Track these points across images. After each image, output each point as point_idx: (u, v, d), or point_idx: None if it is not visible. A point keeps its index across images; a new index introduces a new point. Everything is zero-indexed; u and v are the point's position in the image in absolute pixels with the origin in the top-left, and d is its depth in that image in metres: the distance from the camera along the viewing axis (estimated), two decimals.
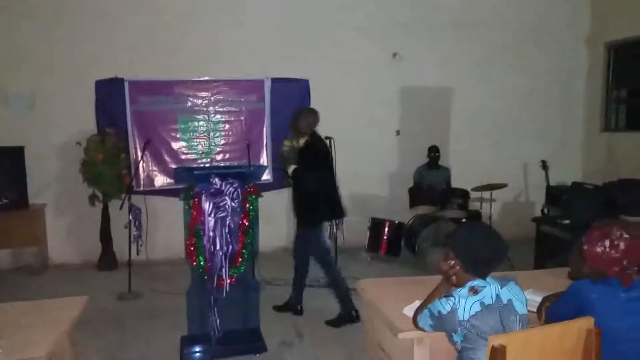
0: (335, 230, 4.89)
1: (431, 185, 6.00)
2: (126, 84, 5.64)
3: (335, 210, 4.18)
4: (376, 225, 5.81)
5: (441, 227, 5.29)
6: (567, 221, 4.58)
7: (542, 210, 5.78)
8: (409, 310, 2.09)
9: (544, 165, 5.94)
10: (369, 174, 6.27)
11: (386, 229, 5.73)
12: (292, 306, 4.23)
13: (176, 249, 5.61)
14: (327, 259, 4.17)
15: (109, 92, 5.60)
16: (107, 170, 5.21)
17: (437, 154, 6.03)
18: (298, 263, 4.26)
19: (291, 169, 3.99)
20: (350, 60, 6.21)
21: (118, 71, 5.59)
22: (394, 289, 2.54)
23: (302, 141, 4.06)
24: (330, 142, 4.93)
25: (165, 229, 5.65)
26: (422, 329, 1.92)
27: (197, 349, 3.34)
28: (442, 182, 6.05)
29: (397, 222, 5.77)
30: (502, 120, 6.64)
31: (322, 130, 5.31)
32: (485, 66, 6.54)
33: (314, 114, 4.16)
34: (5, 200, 5.15)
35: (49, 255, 5.63)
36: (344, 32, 6.18)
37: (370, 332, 2.58)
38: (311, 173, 3.93)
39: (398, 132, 6.49)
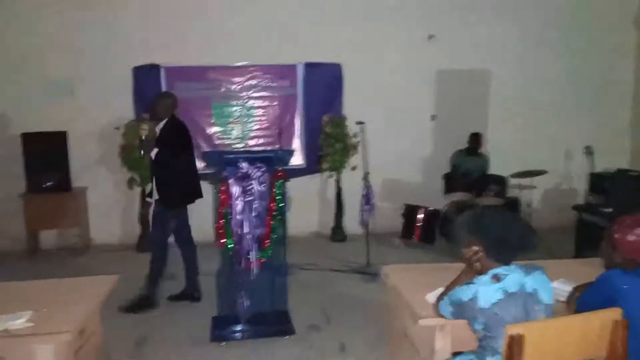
0: (366, 217, 4.86)
1: (467, 171, 5.85)
2: (162, 70, 5.75)
3: (195, 192, 4.21)
4: (410, 212, 5.73)
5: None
6: (609, 209, 4.37)
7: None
8: (432, 297, 2.05)
9: (589, 151, 5.67)
10: (403, 159, 6.16)
11: (420, 216, 5.64)
12: (188, 294, 4.24)
13: (207, 231, 5.74)
14: (191, 241, 4.29)
15: (146, 79, 5.72)
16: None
17: (479, 142, 5.85)
18: (155, 248, 4.18)
19: (154, 152, 3.91)
20: (384, 43, 6.09)
21: (155, 58, 5.69)
22: (419, 275, 2.50)
23: (160, 125, 4.02)
24: (361, 126, 4.91)
25: (199, 212, 5.74)
26: (443, 316, 1.88)
27: (228, 329, 3.41)
28: (479, 169, 5.88)
29: (431, 208, 5.67)
30: (543, 104, 6.36)
31: (354, 114, 5.31)
32: (525, 48, 6.27)
33: (171, 97, 4.14)
34: (49, 183, 5.38)
35: (90, 236, 5.86)
36: (378, 13, 6.06)
37: (394, 318, 2.56)
38: (171, 156, 3.89)
39: (433, 117, 6.34)
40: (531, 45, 6.28)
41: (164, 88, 5.76)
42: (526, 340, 1.36)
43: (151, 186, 4.07)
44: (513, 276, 1.72)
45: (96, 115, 5.63)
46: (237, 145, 6.02)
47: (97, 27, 5.62)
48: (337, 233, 6.01)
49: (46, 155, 5.32)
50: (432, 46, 6.20)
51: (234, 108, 6.01)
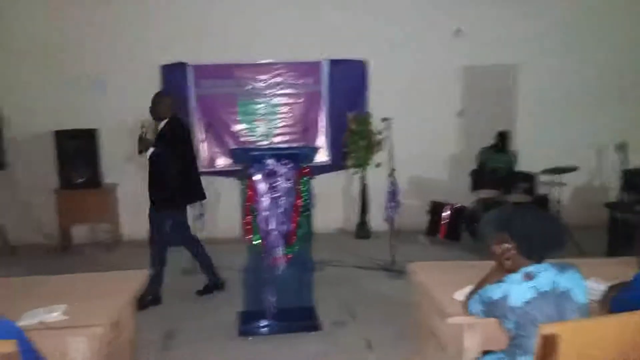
0: (391, 214, 4.83)
1: (495, 168, 5.75)
2: (190, 68, 5.83)
3: (196, 192, 4.18)
4: (436, 209, 5.68)
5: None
6: None
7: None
8: (460, 295, 2.02)
9: (622, 147, 5.50)
10: (429, 156, 6.10)
11: (446, 213, 5.58)
12: (212, 286, 4.28)
13: (234, 227, 5.80)
14: (192, 239, 4.25)
15: (174, 76, 5.81)
16: None
17: (506, 141, 5.72)
18: (156, 249, 4.14)
19: (150, 151, 3.91)
20: (410, 39, 6.04)
21: (182, 56, 5.77)
22: (446, 272, 2.48)
23: (162, 124, 4.02)
24: (387, 123, 4.88)
25: (225, 208, 5.83)
26: (473, 315, 1.85)
27: (254, 324, 3.44)
28: (507, 166, 5.77)
29: (457, 205, 5.60)
30: (573, 99, 6.20)
31: (379, 111, 5.28)
32: (554, 42, 6.10)
33: (170, 96, 4.12)
34: (80, 180, 5.53)
35: (120, 231, 6.00)
36: (404, 9, 6.01)
37: (420, 315, 2.54)
38: (171, 155, 3.88)
39: (460, 113, 6.26)
40: (560, 40, 6.12)
41: (190, 86, 5.85)
42: (560, 340, 1.33)
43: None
44: (546, 274, 1.68)
45: (126, 113, 5.73)
46: (262, 143, 6.07)
47: (127, 26, 5.74)
48: (362, 230, 5.99)
49: (78, 152, 5.48)
50: (458, 41, 6.11)
51: (259, 105, 6.05)
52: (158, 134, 3.98)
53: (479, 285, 1.87)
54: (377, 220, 5.88)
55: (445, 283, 2.24)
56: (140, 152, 3.94)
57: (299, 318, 3.48)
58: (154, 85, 5.77)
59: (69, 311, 2.04)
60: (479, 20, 6.06)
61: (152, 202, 3.98)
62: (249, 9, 5.87)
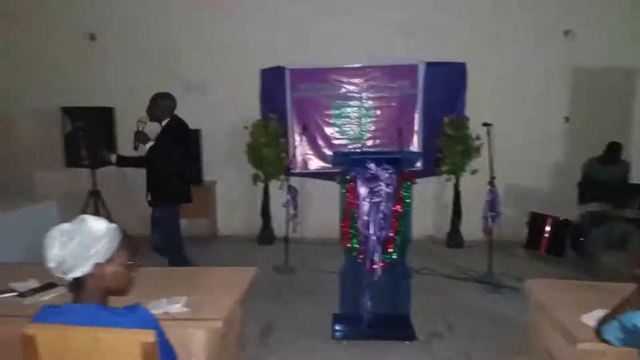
0: (490, 224, 4.61)
1: (605, 180, 5.28)
2: (287, 72, 5.98)
3: (188, 194, 4.11)
4: (536, 221, 5.36)
5: (616, 227, 4.66)
6: None
7: None
8: (590, 319, 1.87)
9: None
10: (530, 164, 5.77)
11: (548, 226, 5.24)
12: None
13: (326, 229, 5.86)
14: (176, 242, 4.12)
15: (272, 80, 5.99)
16: (269, 152, 5.62)
17: (617, 153, 5.17)
18: (168, 249, 4.06)
19: (148, 145, 3.84)
20: (514, 40, 5.74)
21: (281, 60, 5.93)
22: (567, 293, 2.30)
23: (163, 124, 3.95)
24: (487, 128, 4.67)
25: (317, 210, 5.91)
26: (607, 342, 1.69)
27: (349, 327, 3.44)
28: (618, 178, 5.28)
29: (561, 218, 5.24)
30: None
31: (479, 116, 5.07)
32: None
33: (168, 98, 3.99)
34: None
35: (217, 227, 6.28)
36: (507, 8, 5.73)
37: (535, 335, 2.38)
38: (170, 153, 3.83)
39: (567, 119, 5.84)
40: None
41: (288, 89, 6.00)
42: None
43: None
44: None
45: (226, 114, 6.01)
46: (355, 146, 6.08)
47: (230, 31, 5.99)
48: (454, 239, 5.79)
49: None
50: (567, 42, 5.72)
51: (353, 108, 6.06)
52: (161, 132, 3.95)
53: (618, 311, 1.70)
54: (470, 229, 5.67)
55: (569, 304, 2.08)
56: (136, 147, 3.92)
57: (395, 326, 3.43)
58: (254, 88, 6.02)
59: (189, 303, 2.15)
60: (590, 18, 5.62)
61: (151, 200, 3.98)
62: (345, 14, 5.90)
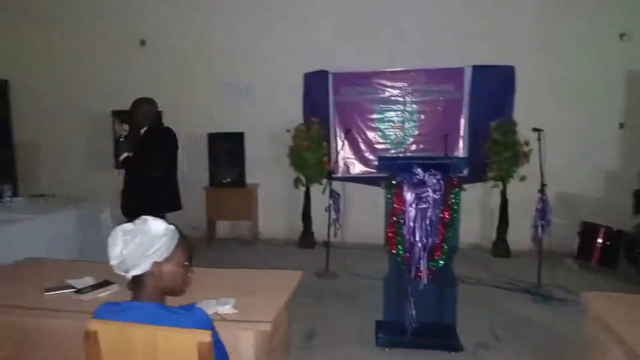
0: (540, 233, 4.46)
1: None
2: (330, 76, 5.99)
3: (174, 202, 3.96)
4: (588, 230, 5.14)
5: None
6: None
7: None
8: None
9: None
10: (582, 171, 5.57)
11: (601, 236, 5.02)
12: None
13: (367, 234, 5.81)
14: None
15: (315, 84, 6.02)
16: (310, 156, 5.63)
17: None
18: None
19: (123, 156, 3.73)
20: (565, 42, 5.57)
21: (325, 64, 5.95)
22: (627, 306, 2.19)
23: (142, 131, 3.82)
24: (538, 134, 4.52)
25: (358, 215, 5.89)
26: None
27: (392, 335, 3.38)
28: None
29: (615, 228, 5.00)
30: None
31: (529, 121, 4.92)
32: None
33: (148, 103, 3.85)
34: (227, 179, 5.97)
35: (259, 229, 6.35)
36: (558, 10, 5.54)
37: (592, 349, 2.27)
38: (150, 162, 3.71)
39: (621, 125, 5.59)
40: None
41: (330, 93, 6.02)
42: None
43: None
44: None
45: (270, 118, 6.08)
46: (397, 150, 6.01)
47: (274, 37, 6.08)
48: (500, 247, 5.63)
49: (226, 153, 5.93)
50: (622, 45, 5.48)
51: (397, 112, 6.01)
52: (141, 140, 3.84)
53: None
54: (517, 237, 5.51)
55: (630, 318, 1.98)
56: (118, 155, 3.87)
57: (440, 335, 3.35)
58: (297, 92, 6.05)
59: (238, 304, 2.17)
60: None
61: (129, 211, 3.82)
62: (389, 18, 5.87)
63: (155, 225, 1.57)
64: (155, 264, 1.56)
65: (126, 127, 3.83)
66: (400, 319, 3.34)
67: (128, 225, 1.57)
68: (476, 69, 5.69)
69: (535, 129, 4.53)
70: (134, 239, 1.53)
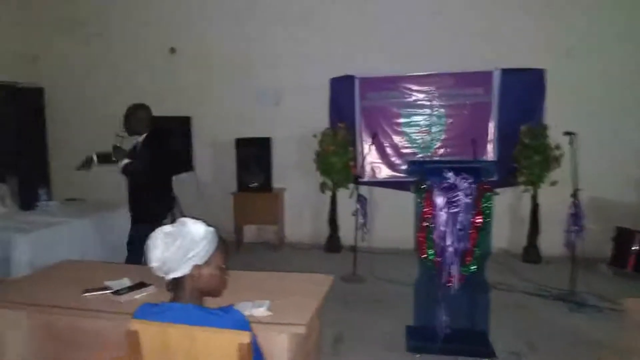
0: (573, 239, 4.36)
1: None
2: (356, 81, 5.99)
3: (170, 206, 4.01)
4: (623, 236, 5.00)
5: None
6: None
7: None
8: None
9: None
10: (616, 176, 5.41)
11: (636, 242, 4.87)
12: None
13: (394, 239, 5.79)
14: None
15: (341, 89, 6.03)
16: (337, 161, 5.64)
17: None
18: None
19: (122, 163, 3.69)
20: (599, 44, 5.43)
21: (351, 69, 5.95)
22: None
23: (140, 139, 3.78)
24: (570, 137, 4.43)
25: (385, 219, 5.86)
26: None
27: (423, 341, 3.34)
28: None
29: None
30: None
31: (562, 125, 4.82)
32: None
33: (142, 109, 3.78)
34: (254, 184, 6.02)
35: (285, 234, 6.37)
36: (592, 10, 5.43)
37: (633, 358, 2.20)
38: (150, 169, 3.65)
39: None
40: None
41: (357, 98, 6.01)
42: None
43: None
44: None
45: (296, 123, 6.11)
46: (425, 155, 5.97)
47: (300, 42, 6.11)
48: (531, 253, 5.51)
49: (254, 158, 5.98)
50: None
51: (424, 116, 5.96)
52: (141, 146, 3.80)
53: None
54: (548, 243, 5.40)
55: None
56: (115, 161, 3.78)
57: (472, 342, 3.30)
58: (324, 97, 6.07)
59: (272, 307, 2.18)
60: None
61: (135, 218, 3.85)
62: (416, 22, 5.84)
63: (195, 228, 1.59)
64: (195, 266, 1.58)
65: (124, 133, 3.77)
66: (431, 325, 3.31)
67: (168, 228, 1.59)
68: (505, 72, 5.61)
69: (567, 133, 4.43)
70: (174, 242, 1.55)
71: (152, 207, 3.78)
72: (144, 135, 3.82)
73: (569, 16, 5.50)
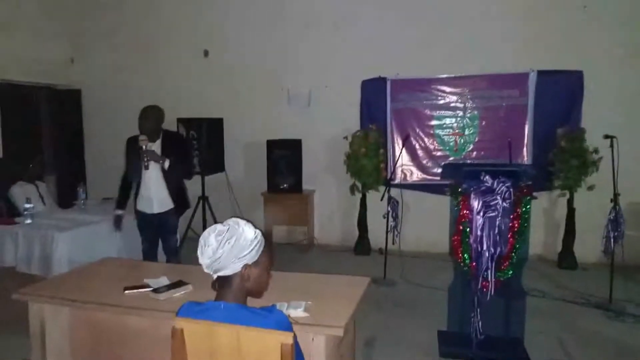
0: (612, 245, 4.23)
1: None
2: (388, 83, 5.96)
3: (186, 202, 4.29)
4: None
5: None
6: None
7: None
8: None
9: None
10: None
11: None
12: None
13: (425, 242, 5.75)
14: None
15: (373, 91, 6.01)
16: (367, 163, 5.61)
17: None
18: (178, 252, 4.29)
19: (167, 162, 3.79)
20: (638, 45, 5.26)
21: (383, 71, 5.93)
22: None
23: (158, 141, 3.86)
24: (611, 141, 4.30)
25: (416, 223, 5.80)
26: None
27: (457, 347, 3.30)
28: None
29: None
30: None
31: (598, 129, 4.69)
32: None
33: (158, 108, 3.85)
34: (285, 185, 6.05)
35: (314, 235, 6.38)
36: (631, 11, 5.27)
37: None
38: (182, 164, 3.98)
39: None
40: None
41: (388, 100, 5.98)
42: None
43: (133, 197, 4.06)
44: None
45: (327, 125, 6.12)
46: (457, 157, 5.89)
47: (332, 45, 6.13)
48: (566, 259, 5.37)
49: (284, 160, 6.01)
50: None
51: (456, 119, 5.89)
52: (164, 149, 3.87)
53: None
54: (584, 249, 5.28)
55: None
56: (146, 166, 3.77)
57: (507, 349, 3.24)
58: (355, 99, 6.07)
59: (309, 308, 2.18)
60: None
61: (180, 207, 4.12)
62: (449, 23, 5.78)
63: (248, 229, 1.62)
64: (246, 266, 1.61)
65: (143, 136, 3.74)
66: (464, 330, 3.27)
67: (221, 227, 1.62)
68: (541, 74, 5.49)
69: (607, 136, 4.30)
70: (228, 241, 1.58)
71: (186, 195, 4.21)
72: (162, 134, 3.92)
73: (607, 17, 5.35)
